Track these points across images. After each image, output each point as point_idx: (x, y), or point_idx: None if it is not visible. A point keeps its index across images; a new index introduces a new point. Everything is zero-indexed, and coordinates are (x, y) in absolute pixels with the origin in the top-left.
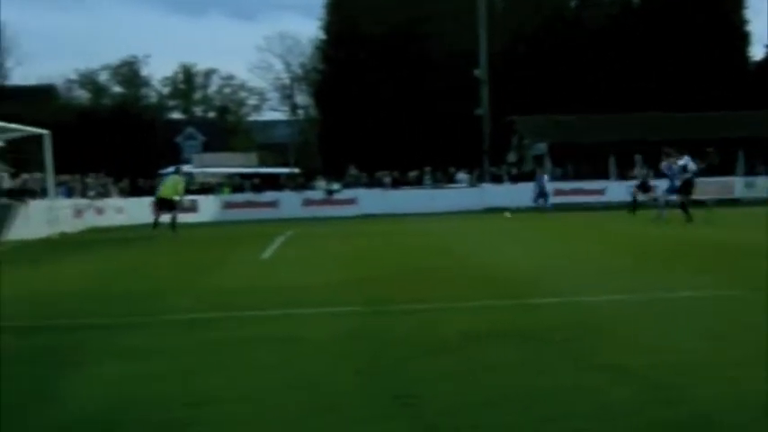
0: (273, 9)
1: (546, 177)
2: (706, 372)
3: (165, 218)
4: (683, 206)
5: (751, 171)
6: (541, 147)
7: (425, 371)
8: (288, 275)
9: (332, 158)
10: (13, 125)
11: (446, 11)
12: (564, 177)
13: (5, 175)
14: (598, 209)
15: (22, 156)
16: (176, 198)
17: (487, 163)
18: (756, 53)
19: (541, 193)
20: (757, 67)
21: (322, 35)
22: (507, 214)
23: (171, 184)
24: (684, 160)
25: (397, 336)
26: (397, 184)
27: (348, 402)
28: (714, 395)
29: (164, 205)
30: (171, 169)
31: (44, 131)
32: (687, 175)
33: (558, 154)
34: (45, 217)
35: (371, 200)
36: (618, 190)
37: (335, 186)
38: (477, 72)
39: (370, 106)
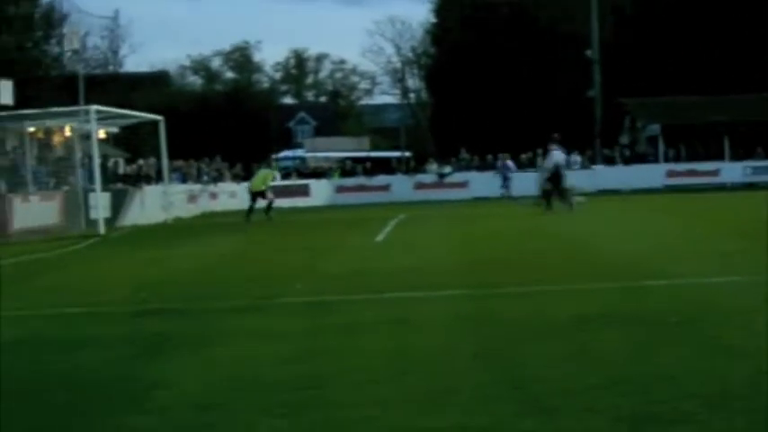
0: None
1: (510, 164)
2: None
3: (263, 204)
4: None
5: None
6: (655, 128)
7: (539, 354)
8: (401, 259)
9: (443, 142)
10: (127, 111)
11: None
12: (677, 159)
13: (121, 160)
14: (711, 190)
15: (137, 141)
16: (265, 188)
17: (599, 145)
18: None
19: (505, 181)
20: None
21: (432, 18)
22: (581, 199)
23: (261, 177)
24: None
25: (509, 319)
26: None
27: (464, 385)
28: None
29: (257, 196)
30: (287, 153)
31: (158, 117)
32: None
33: (671, 135)
34: (160, 202)
35: (483, 183)
36: (732, 171)
37: (447, 170)
38: (588, 53)
39: (482, 89)
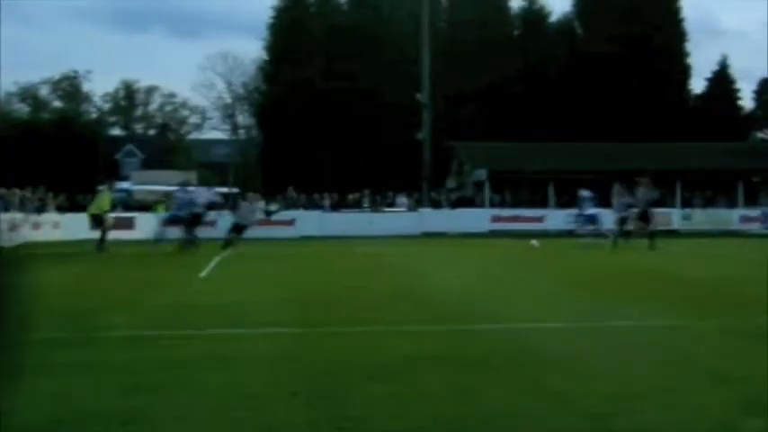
0: (216, 28)
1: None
2: (641, 400)
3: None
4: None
5: (688, 203)
6: (481, 173)
7: (363, 394)
8: (226, 295)
9: (272, 179)
10: None
11: (389, 35)
12: (502, 204)
13: None
14: (536, 236)
15: None
16: (100, 213)
17: (427, 188)
18: (696, 86)
19: None
20: (698, 99)
21: (265, 56)
22: (534, 242)
23: (98, 200)
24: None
25: (335, 359)
26: (336, 206)
27: (286, 424)
28: (649, 422)
29: (96, 221)
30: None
31: None
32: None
33: (497, 181)
34: None
35: (310, 222)
36: (557, 218)
37: (274, 207)
38: (418, 96)
39: (312, 128)
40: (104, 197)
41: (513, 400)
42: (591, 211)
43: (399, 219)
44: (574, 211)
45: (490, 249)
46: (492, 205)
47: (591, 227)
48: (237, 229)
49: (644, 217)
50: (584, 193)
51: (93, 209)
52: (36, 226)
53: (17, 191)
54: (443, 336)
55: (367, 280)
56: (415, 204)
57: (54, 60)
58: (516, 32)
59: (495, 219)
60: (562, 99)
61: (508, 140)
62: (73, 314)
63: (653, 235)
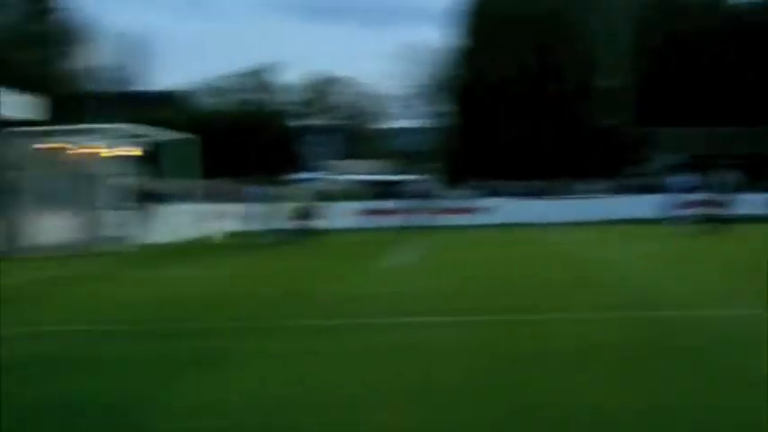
0: (406, 18)
1: None
2: None
3: (297, 225)
4: None
5: None
6: (678, 157)
7: (558, 384)
8: (415, 282)
9: (461, 167)
10: (151, 130)
11: (581, 22)
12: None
13: (142, 179)
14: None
15: (157, 161)
16: (305, 206)
17: (626, 173)
18: None
19: None
20: None
21: (455, 44)
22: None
23: (297, 192)
24: None
25: (527, 347)
26: (529, 193)
27: (483, 416)
28: None
29: (297, 213)
30: (305, 175)
31: (182, 136)
32: None
33: (696, 166)
34: (181, 221)
35: (506, 209)
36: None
37: (469, 195)
38: (612, 81)
39: (502, 115)
40: (301, 189)
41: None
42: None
43: (595, 205)
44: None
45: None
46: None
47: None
48: None
49: None
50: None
51: (294, 200)
52: (231, 216)
53: (212, 182)
54: (632, 322)
55: (554, 268)
56: (613, 190)
57: (247, 53)
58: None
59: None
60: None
61: (705, 125)
62: (259, 303)
63: None
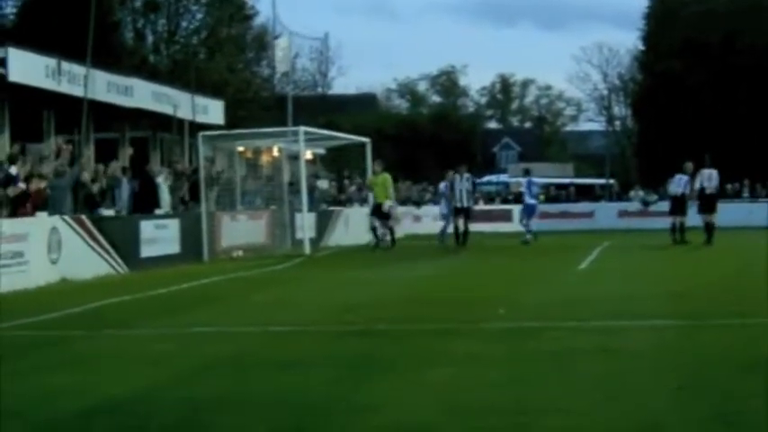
0: (583, 19)
1: None
2: None
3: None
4: None
5: None
6: None
7: (747, 389)
8: (606, 287)
9: (648, 169)
10: (335, 133)
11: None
12: None
13: (327, 181)
14: None
15: (342, 163)
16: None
17: None
18: None
19: None
20: None
21: (640, 46)
22: None
23: (381, 184)
24: None
25: (714, 351)
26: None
27: (672, 419)
28: None
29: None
30: (490, 178)
31: (365, 139)
32: None
33: None
34: (364, 223)
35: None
36: None
37: (652, 198)
38: None
39: (689, 117)
40: (384, 179)
41: None
42: None
43: None
44: None
45: None
46: None
47: None
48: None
49: None
50: None
51: (380, 195)
52: (416, 218)
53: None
54: None
55: (740, 272)
56: None
57: (432, 56)
58: None
59: None
60: None
61: None
62: (455, 305)
63: None
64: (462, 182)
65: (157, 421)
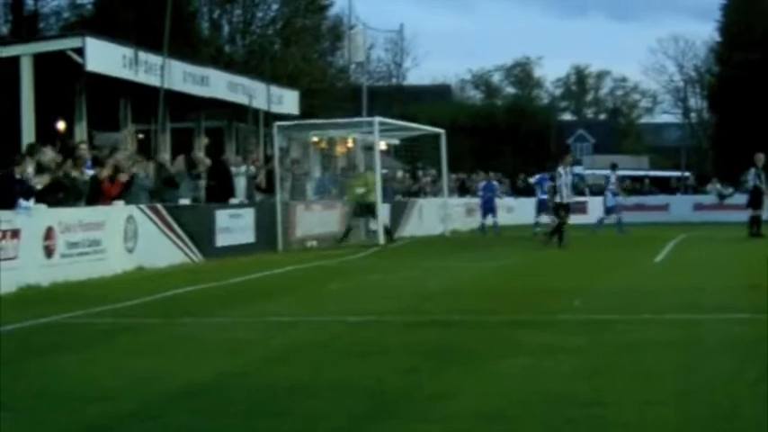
0: (657, 10)
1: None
2: None
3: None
4: None
5: None
6: None
7: None
8: (681, 280)
9: (725, 163)
10: (409, 124)
11: None
12: None
13: (401, 172)
14: None
15: (416, 154)
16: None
17: None
18: None
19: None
20: None
21: (717, 37)
22: None
23: (360, 182)
24: None
25: None
26: None
27: (746, 409)
28: None
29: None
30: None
31: (439, 130)
32: None
33: None
34: (437, 214)
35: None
36: None
37: (728, 191)
38: None
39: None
40: (365, 178)
41: None
42: None
43: None
44: None
45: None
46: None
47: None
48: None
49: None
50: None
51: (356, 195)
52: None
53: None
54: None
55: None
56: None
57: (505, 47)
58: None
59: None
60: None
61: None
62: (532, 296)
63: None
64: (567, 175)
65: (237, 406)
